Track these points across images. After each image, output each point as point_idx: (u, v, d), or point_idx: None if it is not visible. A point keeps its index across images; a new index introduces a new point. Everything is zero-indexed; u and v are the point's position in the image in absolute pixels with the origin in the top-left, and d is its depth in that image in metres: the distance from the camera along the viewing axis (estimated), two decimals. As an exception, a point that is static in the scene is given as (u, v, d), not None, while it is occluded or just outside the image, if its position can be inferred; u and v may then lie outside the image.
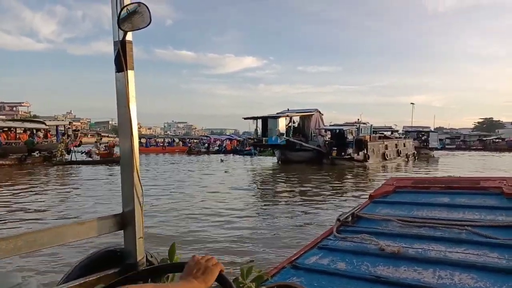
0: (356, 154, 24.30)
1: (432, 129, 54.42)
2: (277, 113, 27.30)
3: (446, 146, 64.76)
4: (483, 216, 2.51)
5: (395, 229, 2.43)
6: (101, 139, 41.10)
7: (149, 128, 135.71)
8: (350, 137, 25.94)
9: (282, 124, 25.28)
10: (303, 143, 25.19)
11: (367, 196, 3.39)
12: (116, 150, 27.24)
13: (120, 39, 1.31)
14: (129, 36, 1.32)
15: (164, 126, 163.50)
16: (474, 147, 64.19)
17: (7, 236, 1.11)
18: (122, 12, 1.25)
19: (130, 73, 1.34)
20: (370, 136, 26.63)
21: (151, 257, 1.53)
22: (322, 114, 29.26)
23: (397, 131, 45.07)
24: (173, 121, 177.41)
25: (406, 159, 30.66)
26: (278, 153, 26.74)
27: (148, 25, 1.26)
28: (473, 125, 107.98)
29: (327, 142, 25.97)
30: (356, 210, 2.81)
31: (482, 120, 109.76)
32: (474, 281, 1.64)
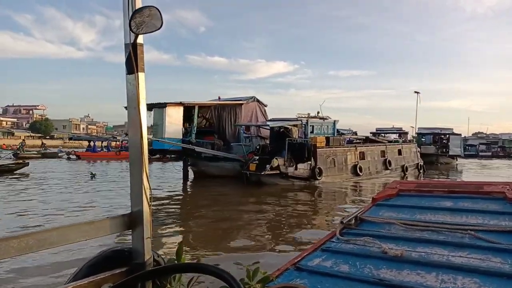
0: (292, 168, 14.22)
1: (469, 135, 43.24)
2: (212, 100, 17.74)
3: (480, 154, 53.69)
4: (486, 221, 2.49)
5: (398, 232, 2.40)
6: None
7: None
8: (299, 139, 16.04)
9: (176, 116, 15.55)
10: (198, 149, 15.33)
11: None
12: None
13: (132, 42, 1.32)
14: (141, 39, 1.33)
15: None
16: (515, 155, 52.25)
17: (18, 234, 1.12)
18: (134, 15, 1.25)
19: (141, 75, 1.34)
20: (330, 138, 16.43)
21: (158, 256, 1.52)
22: (265, 105, 19.26)
23: (406, 133, 34.20)
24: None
25: (403, 174, 20.13)
26: (191, 165, 17.24)
27: (159, 28, 1.26)
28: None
29: (257, 148, 16.05)
30: (359, 213, 2.73)
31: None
32: (477, 286, 1.65)
